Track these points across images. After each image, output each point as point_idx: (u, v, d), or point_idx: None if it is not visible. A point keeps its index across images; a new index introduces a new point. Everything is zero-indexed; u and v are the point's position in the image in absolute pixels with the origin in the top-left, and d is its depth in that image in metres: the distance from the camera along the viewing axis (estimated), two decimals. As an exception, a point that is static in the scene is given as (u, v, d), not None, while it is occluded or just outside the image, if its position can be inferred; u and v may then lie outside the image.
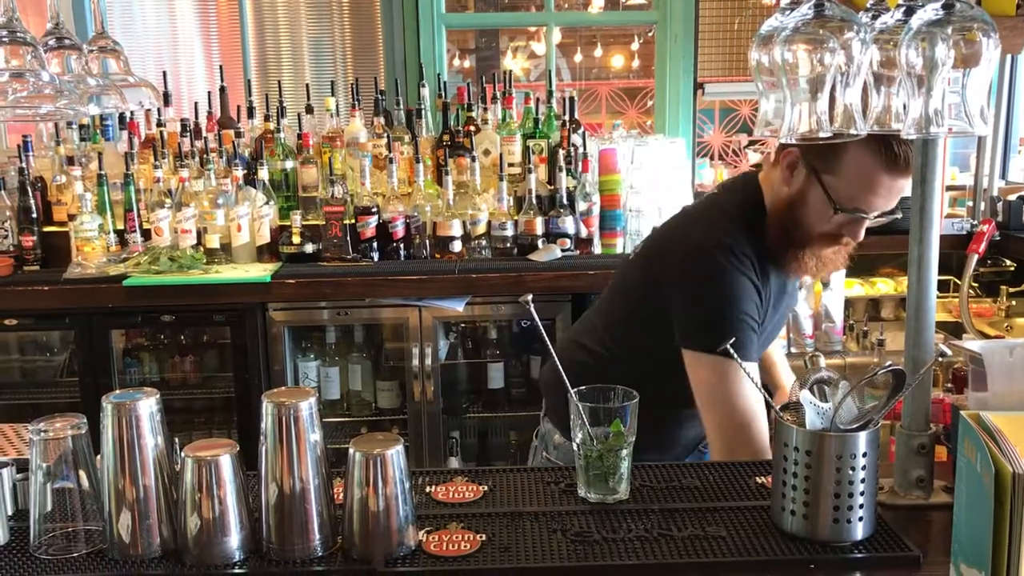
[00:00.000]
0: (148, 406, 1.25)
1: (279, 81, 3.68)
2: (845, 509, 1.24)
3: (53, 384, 3.58)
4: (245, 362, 3.17)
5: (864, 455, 1.23)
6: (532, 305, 1.43)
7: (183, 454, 1.23)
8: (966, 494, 1.02)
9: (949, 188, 5.07)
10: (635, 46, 8.36)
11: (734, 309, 1.60)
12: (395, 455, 1.24)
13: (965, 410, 1.18)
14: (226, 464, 1.23)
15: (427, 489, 1.45)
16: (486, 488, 1.45)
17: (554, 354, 1.47)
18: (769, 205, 1.68)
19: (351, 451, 1.25)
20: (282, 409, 1.23)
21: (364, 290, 3.13)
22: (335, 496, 1.31)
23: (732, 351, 1.35)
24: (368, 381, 3.40)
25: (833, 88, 1.04)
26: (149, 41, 4.82)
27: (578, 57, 9.22)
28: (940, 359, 1.27)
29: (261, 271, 3.16)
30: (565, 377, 1.42)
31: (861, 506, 1.25)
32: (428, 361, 3.20)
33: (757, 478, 1.48)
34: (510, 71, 3.70)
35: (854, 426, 1.25)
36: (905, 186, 1.51)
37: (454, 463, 3.37)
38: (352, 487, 1.24)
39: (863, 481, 1.24)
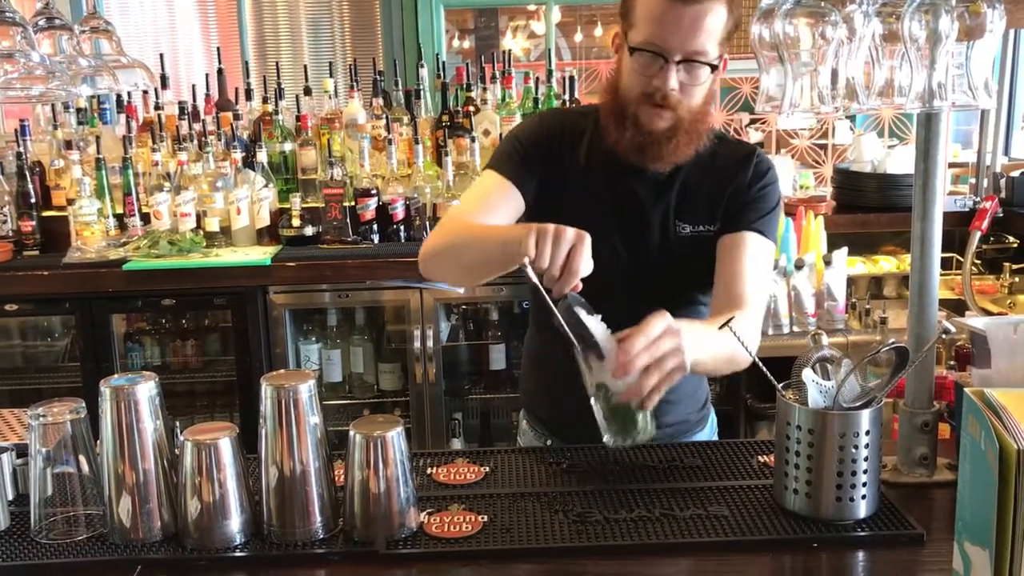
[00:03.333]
0: (147, 390, 1.25)
1: (277, 63, 3.64)
2: (848, 487, 1.24)
3: (55, 369, 3.58)
4: (246, 345, 3.16)
5: (867, 433, 1.23)
6: (531, 269, 1.34)
7: (183, 438, 1.23)
8: (970, 472, 1.01)
9: (952, 165, 5.04)
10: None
11: (505, 142, 1.72)
12: (395, 437, 1.24)
13: (969, 387, 1.17)
14: (226, 447, 1.23)
15: (428, 471, 1.45)
16: (487, 469, 1.45)
17: (548, 299, 1.34)
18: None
19: (351, 433, 1.24)
20: (281, 392, 1.22)
21: (364, 272, 3.12)
22: (336, 479, 1.30)
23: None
24: (370, 363, 3.39)
25: (835, 61, 1.02)
26: (147, 23, 4.80)
27: (578, 36, 9.16)
28: (944, 336, 1.26)
29: (261, 254, 3.15)
30: (568, 331, 1.32)
31: (864, 484, 1.24)
32: (430, 343, 3.19)
33: (759, 457, 1.48)
34: (509, 51, 3.68)
35: (857, 404, 1.25)
36: (696, 19, 1.44)
37: (456, 444, 3.37)
38: (353, 469, 1.24)
39: (866, 459, 1.23)
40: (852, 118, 4.71)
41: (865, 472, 1.24)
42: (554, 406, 1.78)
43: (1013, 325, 1.31)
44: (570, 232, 1.29)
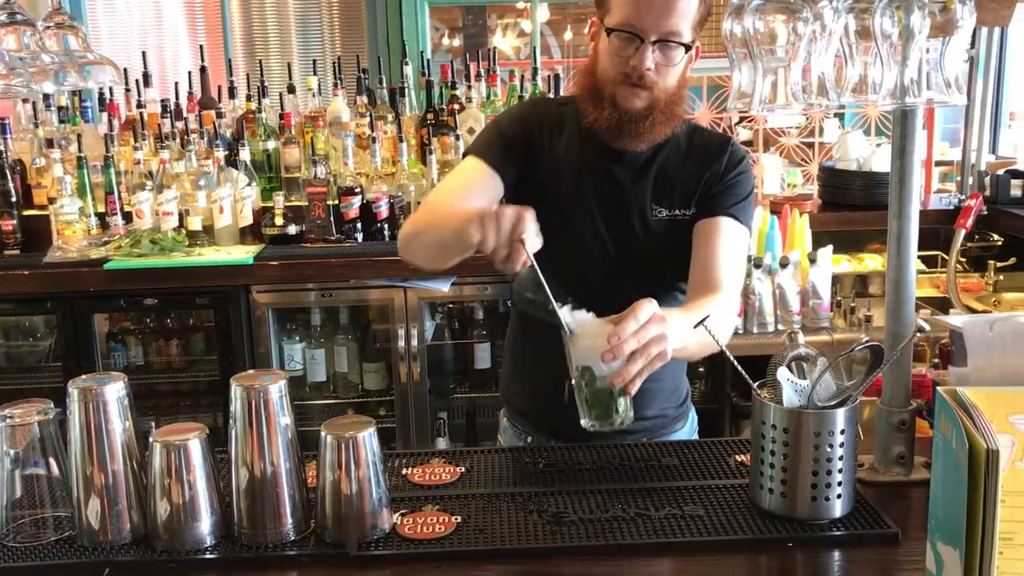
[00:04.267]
0: (115, 390, 1.23)
1: (260, 61, 3.63)
2: (823, 487, 1.23)
3: (39, 369, 3.55)
4: (229, 345, 3.15)
5: (842, 432, 1.22)
6: (530, 252, 1.35)
7: (152, 439, 1.21)
8: (942, 470, 1.01)
9: (939, 163, 5.05)
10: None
11: (484, 130, 1.77)
12: (367, 437, 1.23)
13: (945, 386, 1.16)
14: (195, 448, 1.22)
15: (403, 471, 1.44)
16: (463, 469, 1.44)
17: (552, 299, 1.35)
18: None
19: (323, 434, 1.23)
20: (251, 392, 1.21)
21: (348, 271, 3.10)
22: (308, 479, 1.29)
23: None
24: (354, 363, 3.37)
25: (807, 57, 1.02)
26: (133, 20, 4.77)
27: (568, 35, 9.15)
28: (919, 334, 1.25)
29: (244, 253, 3.13)
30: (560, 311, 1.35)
31: (840, 483, 1.24)
32: (414, 342, 3.18)
33: (737, 456, 1.47)
34: (494, 48, 3.66)
35: (832, 403, 1.24)
36: (668, 3, 1.49)
37: (441, 444, 3.35)
38: (324, 470, 1.23)
39: (841, 458, 1.23)
40: (840, 116, 4.72)
41: (840, 471, 1.23)
42: (533, 400, 1.78)
43: (989, 323, 1.31)
44: (509, 210, 1.31)
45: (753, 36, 1.00)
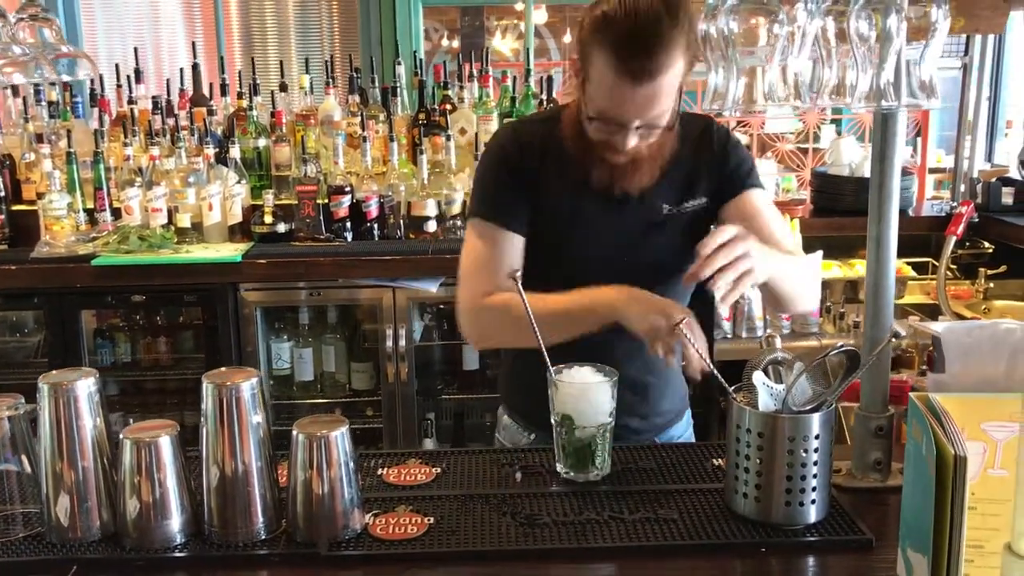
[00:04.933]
0: (86, 386, 1.22)
1: (252, 58, 3.62)
2: (798, 492, 1.23)
3: (27, 365, 3.54)
4: (216, 343, 3.14)
5: (817, 437, 1.21)
6: (519, 282, 1.41)
7: (121, 435, 1.20)
8: (913, 477, 1.00)
9: (934, 171, 5.05)
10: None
11: (480, 184, 1.70)
12: (339, 437, 1.22)
13: (922, 392, 1.16)
14: (165, 446, 1.21)
15: (379, 471, 1.43)
16: (439, 470, 1.43)
17: (535, 328, 1.42)
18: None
19: (294, 433, 1.22)
20: (223, 390, 1.20)
21: (336, 270, 3.09)
22: (280, 479, 1.28)
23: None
24: (342, 362, 3.36)
25: (782, 59, 1.01)
26: (129, 16, 4.76)
27: (567, 37, 9.16)
28: (895, 339, 1.24)
29: (232, 251, 3.12)
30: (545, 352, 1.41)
31: (814, 489, 1.23)
32: (402, 342, 3.17)
33: (715, 460, 1.46)
34: (487, 49, 3.65)
35: (808, 408, 1.23)
36: (650, 96, 1.42)
37: (429, 445, 3.34)
38: (296, 470, 1.22)
39: (816, 464, 1.22)
40: (837, 122, 4.72)
41: (815, 477, 1.22)
42: (534, 397, 1.76)
43: (968, 330, 1.30)
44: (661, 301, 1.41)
45: (727, 37, 1.00)
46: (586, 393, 1.36)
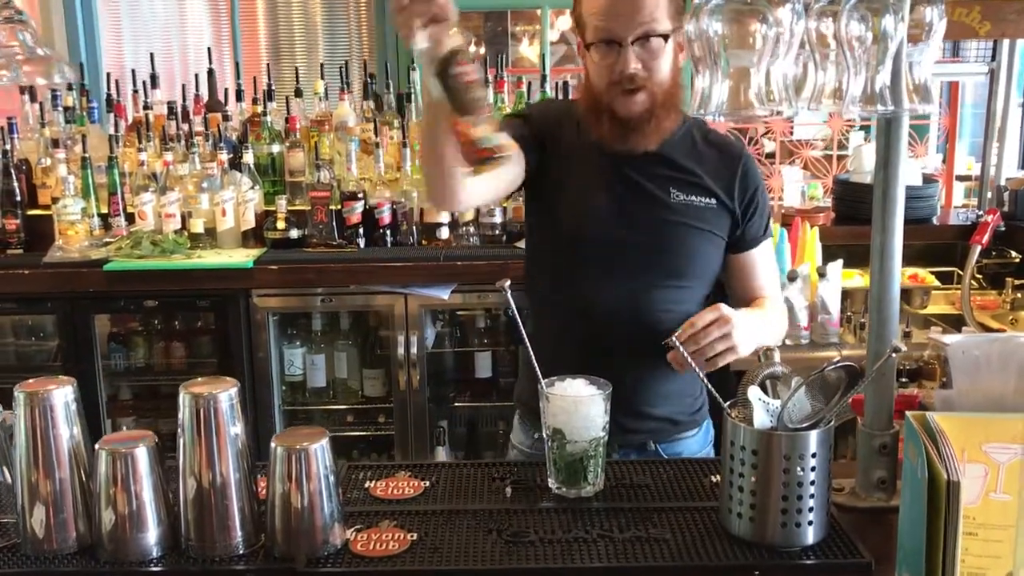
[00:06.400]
0: (63, 395, 1.20)
1: (268, 64, 3.61)
2: (794, 512, 1.17)
3: (45, 368, 3.55)
4: (228, 349, 3.13)
5: (814, 455, 1.16)
6: (510, 291, 1.39)
7: (97, 446, 1.18)
8: (909, 499, 0.95)
9: (963, 178, 4.94)
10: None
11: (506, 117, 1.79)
12: (319, 450, 1.18)
13: (930, 408, 1.11)
14: (142, 457, 1.18)
15: (366, 484, 1.40)
16: (428, 484, 1.39)
17: (525, 335, 1.42)
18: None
19: (273, 445, 1.19)
20: (199, 400, 1.17)
21: (348, 277, 3.07)
22: (259, 491, 1.25)
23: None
24: (354, 369, 3.34)
25: (770, 62, 0.96)
26: (156, 23, 4.79)
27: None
28: (894, 354, 1.19)
29: (244, 256, 3.11)
30: (536, 365, 1.38)
31: (811, 509, 1.18)
32: (414, 349, 3.14)
33: (712, 477, 1.41)
34: (502, 55, 3.62)
35: (805, 425, 1.18)
36: (634, 4, 1.52)
37: (441, 453, 3.31)
38: (274, 483, 1.19)
39: (813, 483, 1.17)
40: (866, 128, 4.63)
41: (812, 497, 1.17)
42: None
43: (977, 343, 1.25)
44: None
45: (712, 38, 0.96)
46: (578, 407, 1.31)
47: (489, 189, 1.59)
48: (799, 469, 1.16)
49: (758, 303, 1.75)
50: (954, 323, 3.36)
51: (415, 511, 1.31)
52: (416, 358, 3.14)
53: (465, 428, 3.49)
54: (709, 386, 1.27)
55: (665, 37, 1.54)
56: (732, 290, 1.81)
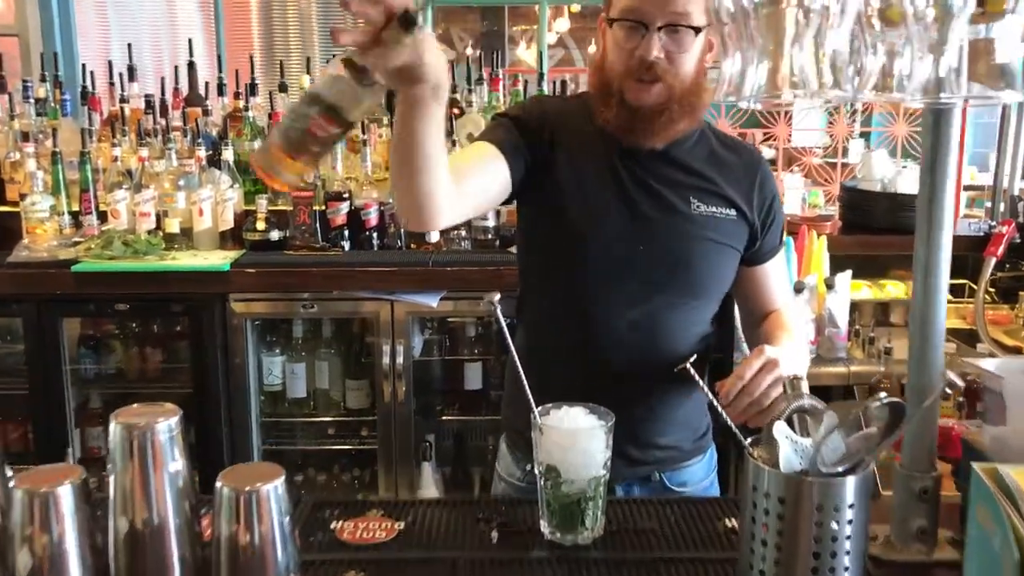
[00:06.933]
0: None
1: (250, 55, 3.43)
2: (826, 570, 1.01)
3: (14, 372, 3.36)
4: (203, 356, 2.95)
5: (851, 506, 0.99)
6: (499, 307, 1.22)
7: (12, 483, 1.01)
8: (977, 571, 0.78)
9: (967, 188, 4.79)
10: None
11: (497, 115, 1.62)
12: (272, 491, 1.01)
13: (978, 448, 0.94)
14: (65, 497, 1.00)
15: (332, 525, 1.22)
16: (402, 526, 1.22)
17: (516, 358, 1.26)
18: None
19: (218, 485, 1.01)
20: (133, 432, 1.00)
21: (330, 282, 2.90)
22: (203, 532, 1.08)
23: None
24: (337, 379, 3.17)
25: (815, 40, 0.80)
26: (144, 16, 4.62)
27: (592, 48, 8.98)
28: (948, 391, 1.02)
29: (220, 259, 2.94)
30: (528, 390, 1.21)
31: (847, 568, 1.01)
32: (400, 359, 2.96)
33: (727, 520, 1.25)
34: (497, 52, 3.45)
35: (840, 468, 1.02)
36: None
37: (427, 469, 3.14)
38: (220, 527, 1.01)
39: (849, 537, 1.00)
40: (866, 136, 4.48)
41: (848, 553, 1.00)
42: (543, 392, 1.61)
43: (1034, 374, 1.08)
44: None
45: (747, 10, 0.80)
46: (576, 441, 1.15)
47: (469, 206, 1.42)
48: (833, 522, 0.99)
49: (776, 318, 1.62)
50: (965, 338, 3.21)
51: (386, 559, 1.14)
52: (402, 368, 2.98)
53: (453, 442, 3.32)
54: (730, 422, 1.11)
55: (697, 30, 1.40)
56: (745, 304, 1.67)
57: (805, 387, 1.09)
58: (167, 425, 1.01)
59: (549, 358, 1.51)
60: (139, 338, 3.23)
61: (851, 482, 0.99)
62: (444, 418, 3.22)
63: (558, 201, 1.51)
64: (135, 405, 1.04)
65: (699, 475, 1.65)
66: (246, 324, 2.97)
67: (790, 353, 1.40)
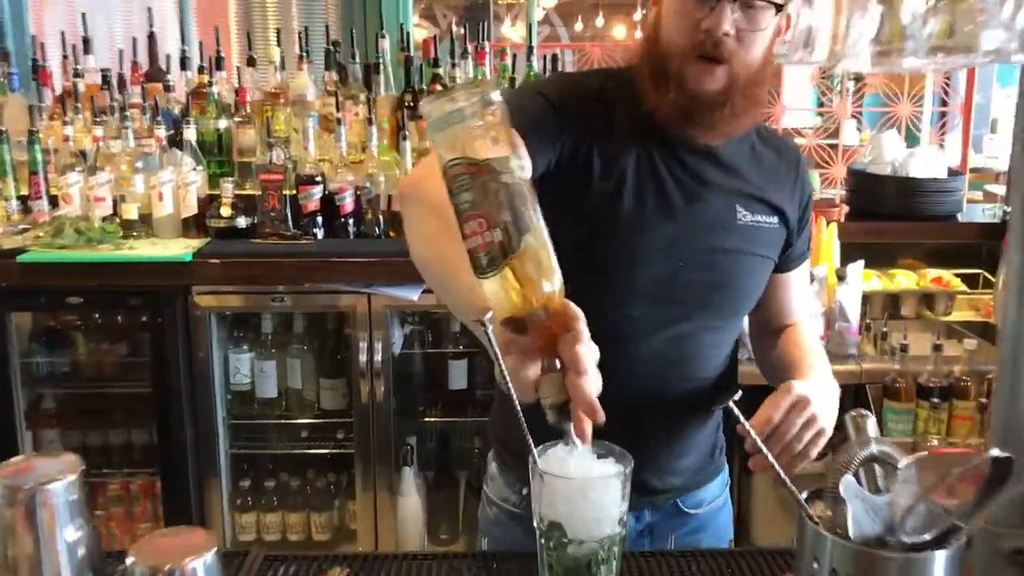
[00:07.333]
0: None
1: (216, 27, 3.17)
2: (906, 665, 0.79)
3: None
4: (164, 354, 2.72)
5: (942, 586, 0.78)
6: (491, 327, 0.93)
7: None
8: None
9: (976, 171, 4.61)
10: (638, 16, 7.94)
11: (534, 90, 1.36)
12: (200, 569, 0.79)
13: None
14: None
15: (285, 589, 1.00)
16: (371, 590, 1.00)
17: (509, 382, 1.01)
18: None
19: (130, 561, 0.79)
20: (18, 495, 0.77)
21: (302, 273, 2.67)
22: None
23: None
24: (310, 378, 2.94)
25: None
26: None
27: (578, 25, 8.73)
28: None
29: (182, 248, 2.70)
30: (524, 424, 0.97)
31: (932, 662, 0.80)
32: (378, 356, 2.74)
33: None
34: (482, 24, 3.21)
35: (925, 537, 0.80)
36: None
37: (408, 473, 2.92)
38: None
39: (937, 625, 0.79)
40: (858, 116, 4.28)
41: (935, 644, 0.79)
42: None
43: None
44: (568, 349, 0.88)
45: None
46: (587, 493, 0.92)
47: None
48: (918, 606, 0.78)
49: (794, 337, 1.43)
50: (980, 332, 3.03)
51: (350, 639, 0.92)
52: (380, 366, 2.75)
53: (436, 445, 3.10)
54: (779, 469, 0.89)
55: (778, 8, 1.21)
56: (759, 314, 1.46)
57: (872, 427, 0.88)
58: (64, 486, 0.79)
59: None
60: (96, 333, 2.99)
61: (941, 559, 0.78)
62: (426, 419, 3.00)
63: (585, 204, 1.27)
64: (24, 456, 0.81)
65: (714, 493, 1.49)
66: (210, 318, 2.73)
67: (821, 389, 1.22)
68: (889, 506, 0.81)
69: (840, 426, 0.94)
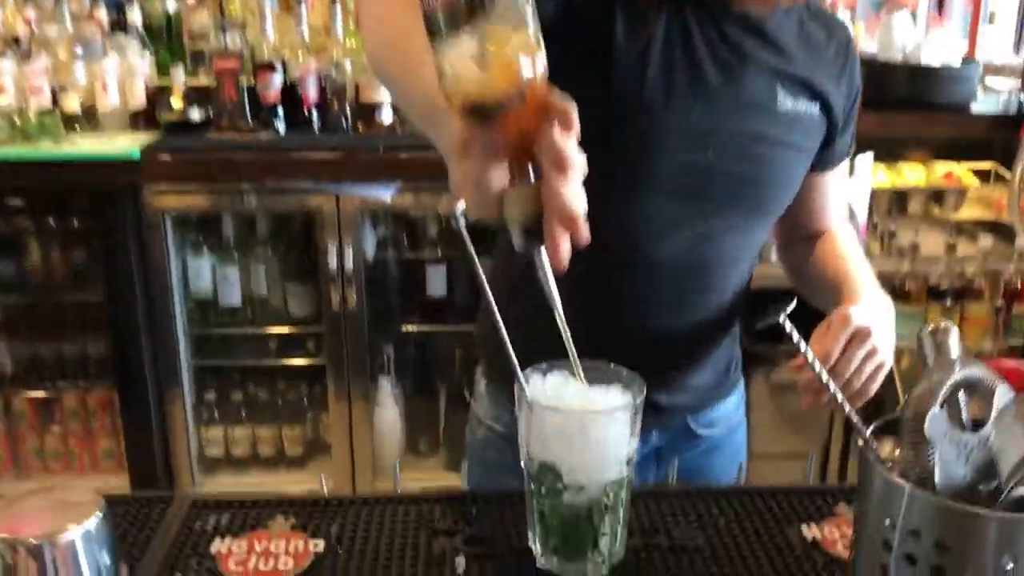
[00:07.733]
0: None
1: None
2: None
3: None
4: (114, 260, 2.50)
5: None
6: (463, 220, 0.72)
7: None
8: None
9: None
10: None
11: None
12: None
13: None
14: None
15: (214, 544, 0.81)
16: (323, 545, 0.81)
17: (486, 286, 0.83)
18: None
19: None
20: (19, 551, 0.57)
21: (263, 171, 2.44)
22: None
23: None
24: (276, 284, 2.73)
25: None
26: None
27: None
28: None
29: (129, 143, 2.45)
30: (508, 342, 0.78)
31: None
32: (349, 262, 2.54)
33: (804, 527, 0.85)
34: None
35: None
36: None
37: (385, 384, 2.75)
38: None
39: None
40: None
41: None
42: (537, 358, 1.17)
43: None
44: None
45: None
46: (588, 429, 0.72)
47: None
48: None
49: (835, 247, 1.25)
50: (994, 230, 2.85)
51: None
52: (352, 272, 2.55)
53: (414, 353, 2.92)
54: (843, 399, 0.70)
55: None
56: (790, 218, 1.25)
57: (955, 344, 0.68)
58: (83, 532, 0.58)
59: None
60: (45, 238, 2.75)
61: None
62: (404, 328, 2.81)
63: (602, 73, 1.03)
64: (33, 491, 0.59)
65: (729, 410, 1.32)
66: (165, 221, 2.50)
67: (879, 314, 1.05)
68: (982, 445, 0.63)
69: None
